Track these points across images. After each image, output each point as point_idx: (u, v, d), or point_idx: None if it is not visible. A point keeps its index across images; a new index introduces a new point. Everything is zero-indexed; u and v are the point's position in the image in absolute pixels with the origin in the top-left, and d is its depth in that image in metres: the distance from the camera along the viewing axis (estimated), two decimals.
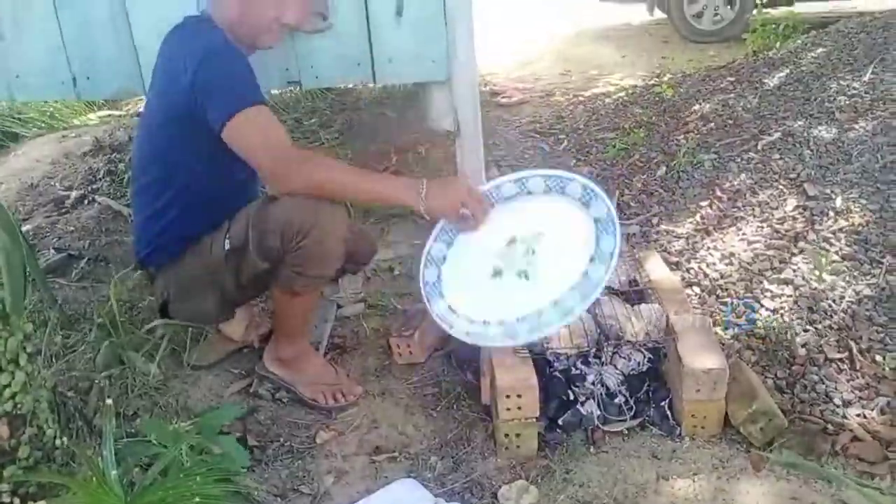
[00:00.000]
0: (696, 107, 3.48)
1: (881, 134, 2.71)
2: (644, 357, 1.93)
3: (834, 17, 5.25)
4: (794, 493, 1.64)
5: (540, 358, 1.87)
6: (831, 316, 2.05)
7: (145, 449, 1.64)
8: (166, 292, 1.99)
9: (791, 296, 2.15)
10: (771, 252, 2.34)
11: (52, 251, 2.83)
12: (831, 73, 3.28)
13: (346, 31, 2.28)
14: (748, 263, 2.33)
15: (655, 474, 1.72)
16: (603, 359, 1.92)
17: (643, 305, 1.96)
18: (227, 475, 1.63)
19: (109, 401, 1.54)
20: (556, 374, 1.90)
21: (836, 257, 2.24)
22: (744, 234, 2.47)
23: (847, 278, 2.15)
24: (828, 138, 2.79)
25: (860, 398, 1.83)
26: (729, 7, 6.07)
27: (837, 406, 1.81)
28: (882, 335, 1.96)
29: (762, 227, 2.47)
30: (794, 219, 2.45)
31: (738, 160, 2.87)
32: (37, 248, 2.83)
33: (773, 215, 2.51)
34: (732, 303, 2.20)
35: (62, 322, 2.25)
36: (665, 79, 4.46)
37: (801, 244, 2.33)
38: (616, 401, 1.87)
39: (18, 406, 1.41)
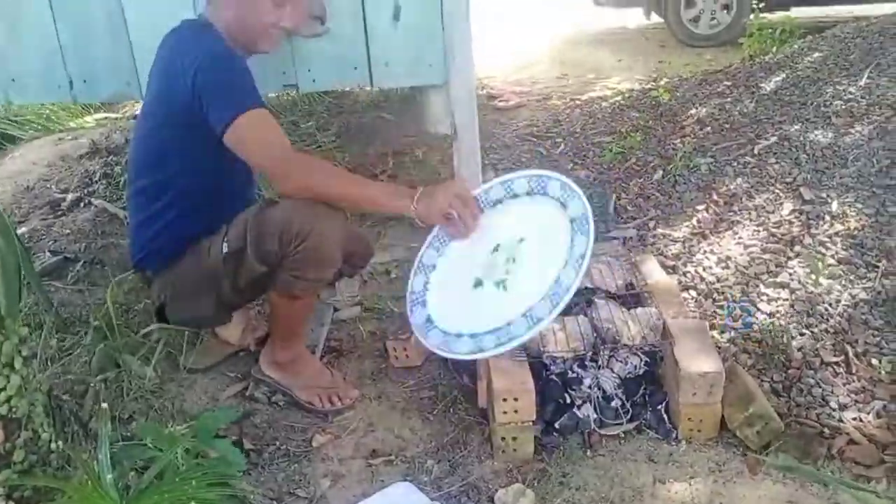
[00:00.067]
0: (693, 111, 3.49)
1: (877, 138, 2.71)
2: (641, 360, 1.93)
3: (830, 21, 5.27)
4: (791, 496, 1.64)
5: (536, 361, 1.87)
6: (827, 319, 2.06)
7: (141, 452, 1.64)
8: (163, 296, 1.98)
9: (787, 299, 2.15)
10: (767, 256, 2.35)
11: (48, 254, 2.82)
12: (827, 77, 3.29)
13: (344, 34, 2.28)
14: (744, 267, 2.33)
15: (652, 478, 1.72)
16: (599, 362, 1.92)
17: (640, 309, 1.97)
18: (222, 479, 1.62)
19: (105, 404, 1.54)
20: (553, 377, 1.90)
21: (832, 261, 2.24)
22: (740, 237, 2.48)
23: (843, 282, 2.16)
24: (824, 142, 2.80)
25: (856, 402, 1.83)
26: (726, 11, 6.08)
27: (833, 409, 1.82)
28: (878, 339, 1.97)
29: (758, 231, 2.48)
30: (791, 223, 2.46)
31: (735, 164, 2.87)
32: (32, 250, 2.82)
33: (769, 219, 2.52)
34: (729, 306, 2.20)
35: (58, 325, 2.25)
36: (662, 83, 4.47)
37: (798, 248, 2.34)
38: (613, 404, 1.87)
39: (13, 410, 1.40)
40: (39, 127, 4.38)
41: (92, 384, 1.98)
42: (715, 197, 2.74)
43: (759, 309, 2.15)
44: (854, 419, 1.79)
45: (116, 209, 3.10)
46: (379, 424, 1.98)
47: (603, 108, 4.12)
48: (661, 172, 3.02)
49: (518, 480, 1.74)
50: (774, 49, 4.16)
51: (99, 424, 1.51)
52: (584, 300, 2.04)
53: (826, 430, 1.77)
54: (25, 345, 1.47)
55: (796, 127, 2.96)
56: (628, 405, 1.87)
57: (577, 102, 4.42)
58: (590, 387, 1.88)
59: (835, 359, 1.94)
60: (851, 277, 2.17)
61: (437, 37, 2.30)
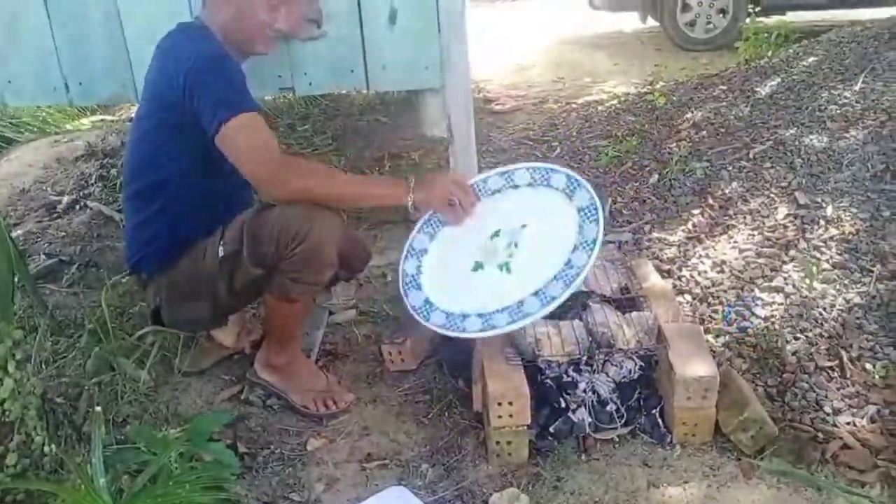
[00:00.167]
0: (689, 115, 3.50)
1: (872, 143, 2.72)
2: (635, 365, 1.93)
3: (826, 26, 5.29)
4: (785, 500, 1.64)
5: (531, 366, 1.87)
6: (822, 324, 2.06)
7: (135, 456, 1.64)
8: (158, 299, 1.98)
9: (782, 304, 2.16)
10: (762, 260, 2.35)
11: (43, 257, 2.82)
12: (822, 82, 3.30)
13: (340, 37, 2.29)
14: (739, 271, 2.33)
15: (646, 482, 1.72)
16: (594, 366, 1.92)
17: (635, 313, 1.96)
18: (216, 482, 1.62)
19: (98, 408, 1.53)
20: (548, 381, 1.90)
21: (826, 265, 2.24)
22: (735, 241, 2.48)
23: (838, 286, 2.16)
24: (819, 147, 2.81)
25: (850, 406, 1.83)
26: (721, 16, 6.10)
27: (828, 414, 1.82)
28: (872, 343, 1.97)
29: (753, 235, 2.48)
30: (786, 227, 2.46)
31: (730, 168, 2.88)
32: (28, 253, 2.82)
33: (764, 223, 2.52)
34: (724, 310, 2.20)
35: (52, 328, 2.24)
36: (657, 87, 4.47)
37: (793, 252, 2.34)
38: (607, 408, 1.87)
39: (7, 413, 1.40)
40: (35, 129, 4.38)
41: (86, 387, 1.97)
42: (710, 201, 2.74)
43: (753, 313, 2.15)
44: (848, 424, 1.79)
45: (112, 212, 3.09)
46: (374, 428, 1.98)
47: (599, 111, 4.12)
48: (656, 176, 3.03)
49: (512, 485, 1.73)
50: (770, 53, 4.17)
51: (92, 428, 1.50)
52: (579, 304, 2.04)
53: (820, 435, 1.77)
54: (19, 348, 1.46)
55: (791, 131, 2.97)
56: (623, 409, 1.87)
57: (573, 106, 4.42)
58: (584, 391, 1.88)
59: (829, 363, 1.94)
60: (846, 282, 2.17)
61: (434, 40, 2.31)
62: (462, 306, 1.77)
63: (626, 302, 2.04)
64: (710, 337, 2.09)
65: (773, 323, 2.10)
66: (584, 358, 1.90)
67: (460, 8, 2.31)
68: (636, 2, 6.42)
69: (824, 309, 2.10)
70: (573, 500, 1.69)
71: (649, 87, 4.65)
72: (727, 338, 2.10)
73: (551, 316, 1.99)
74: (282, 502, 1.74)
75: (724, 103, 3.48)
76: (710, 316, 2.20)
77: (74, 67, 2.32)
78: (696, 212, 2.72)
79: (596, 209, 1.74)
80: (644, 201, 2.91)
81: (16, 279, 2.06)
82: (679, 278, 2.41)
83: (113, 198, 3.23)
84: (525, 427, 1.79)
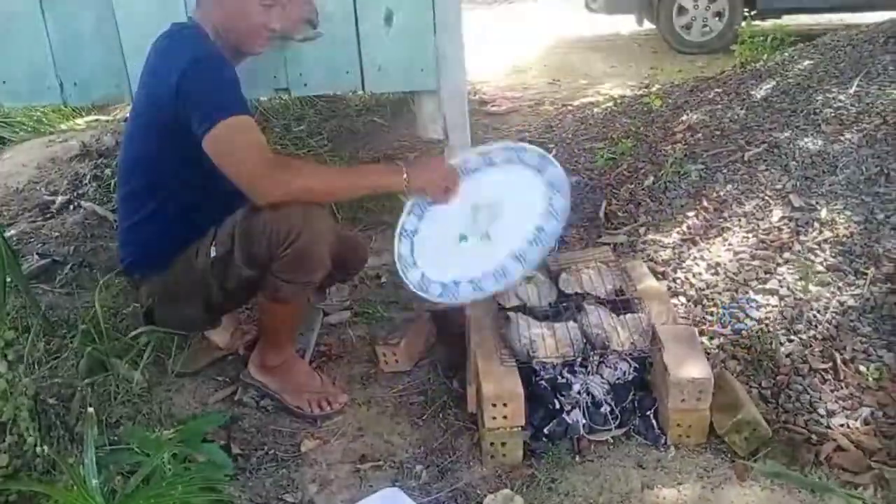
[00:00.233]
0: (684, 117, 3.50)
1: (866, 146, 2.73)
2: (630, 366, 1.93)
3: (821, 29, 5.31)
4: (778, 502, 1.64)
5: (526, 367, 1.87)
6: (816, 326, 2.06)
7: (127, 457, 1.63)
8: (151, 299, 1.98)
9: (776, 306, 2.16)
10: (756, 262, 2.35)
11: (37, 257, 2.81)
12: (818, 85, 3.30)
13: (336, 38, 2.28)
14: (734, 273, 2.34)
15: (640, 483, 1.72)
16: (589, 368, 1.92)
17: (629, 315, 1.97)
18: (210, 483, 1.61)
19: (91, 408, 1.52)
20: (542, 383, 1.90)
21: (820, 268, 2.25)
22: (730, 244, 2.48)
23: (832, 289, 2.17)
24: (814, 150, 2.81)
25: (844, 408, 1.84)
26: (717, 19, 6.12)
27: (821, 416, 1.82)
28: (866, 345, 1.97)
29: (748, 238, 2.49)
30: (780, 229, 2.47)
31: (725, 171, 2.88)
32: (21, 253, 2.81)
33: (758, 226, 2.53)
34: (718, 312, 2.20)
35: (45, 328, 2.24)
36: (653, 89, 4.48)
37: (787, 255, 2.34)
38: (602, 410, 1.87)
39: None
40: (30, 129, 4.37)
41: (79, 388, 1.97)
42: (705, 203, 2.74)
43: (748, 315, 2.15)
44: (842, 426, 1.79)
45: (106, 212, 3.09)
46: (368, 429, 1.98)
47: (595, 113, 4.13)
48: (651, 178, 3.03)
49: (507, 486, 1.73)
50: (765, 56, 4.17)
51: (85, 428, 1.50)
52: (573, 306, 2.04)
53: (814, 437, 1.77)
54: (11, 348, 1.46)
55: (786, 134, 2.97)
56: (617, 411, 1.87)
57: (569, 108, 4.43)
58: (579, 392, 1.88)
59: (823, 365, 1.94)
60: (840, 284, 2.18)
61: (429, 42, 2.31)
62: (454, 275, 1.93)
63: (621, 304, 2.04)
64: (704, 339, 2.09)
65: (767, 325, 2.10)
66: (579, 359, 1.90)
67: (456, 9, 2.31)
68: (633, 4, 6.43)
69: (818, 311, 2.11)
70: (567, 502, 1.69)
71: (645, 89, 4.67)
72: (721, 339, 2.10)
73: (546, 317, 2.01)
74: (275, 503, 1.74)
75: (720, 106, 3.49)
76: (704, 318, 2.20)
77: (69, 67, 2.31)
78: (690, 214, 2.72)
79: (563, 182, 1.95)
80: (639, 203, 2.91)
81: (8, 279, 2.06)
82: (674, 280, 2.41)
83: (107, 198, 3.22)
84: (519, 428, 1.79)
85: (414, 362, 2.19)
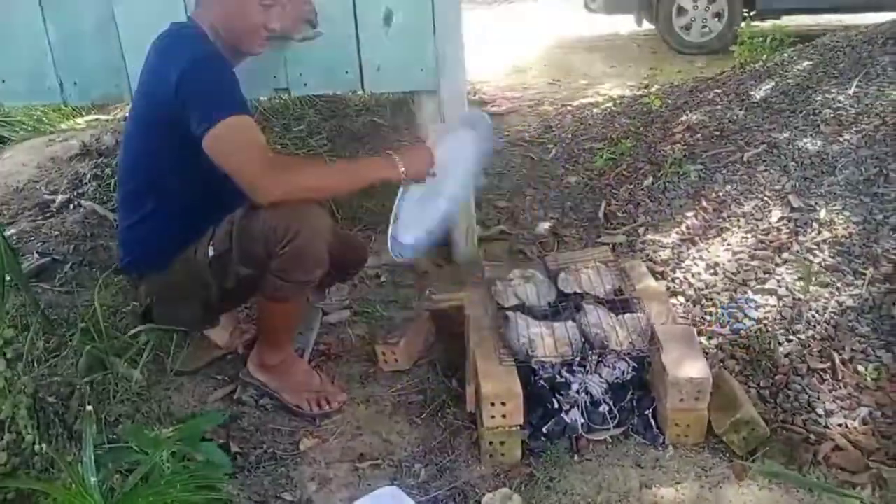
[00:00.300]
0: (684, 118, 3.50)
1: (865, 147, 2.73)
2: (628, 366, 1.93)
3: (820, 30, 5.31)
4: (776, 501, 1.64)
5: (525, 366, 1.87)
6: (814, 326, 2.06)
7: (126, 455, 1.63)
8: (150, 298, 1.98)
9: (775, 306, 2.16)
10: (755, 262, 2.35)
11: (37, 255, 2.80)
12: (816, 85, 3.31)
13: (335, 38, 2.28)
14: (733, 273, 2.34)
15: (639, 482, 1.72)
16: (587, 367, 1.92)
17: (628, 315, 1.97)
18: (208, 482, 1.62)
19: (90, 407, 1.53)
20: (541, 382, 1.90)
21: (819, 268, 2.25)
22: (729, 244, 2.49)
23: (830, 289, 2.17)
24: (812, 150, 2.81)
25: (842, 408, 1.84)
26: (717, 19, 6.12)
27: (819, 416, 1.82)
28: (864, 346, 1.98)
29: (747, 238, 2.49)
30: (779, 230, 2.47)
31: (724, 171, 2.88)
32: (21, 252, 2.81)
33: (757, 226, 2.53)
34: (717, 312, 2.21)
35: (45, 327, 2.23)
36: (653, 89, 4.49)
37: (786, 255, 2.35)
38: (600, 409, 1.87)
39: None
40: (30, 128, 4.36)
41: (78, 386, 1.96)
42: (704, 203, 2.75)
43: (746, 315, 2.15)
44: (840, 426, 1.79)
45: (106, 211, 3.09)
46: (366, 428, 1.98)
47: (594, 114, 4.13)
48: (651, 179, 3.03)
49: (505, 485, 1.74)
50: (765, 57, 4.18)
51: (84, 427, 1.50)
52: (572, 305, 2.05)
53: (812, 437, 1.78)
54: (10, 346, 1.46)
55: (785, 135, 2.97)
56: (616, 410, 1.87)
57: (569, 108, 4.43)
58: (577, 392, 1.88)
59: (821, 365, 1.95)
60: (839, 284, 2.18)
61: (429, 42, 2.31)
62: (424, 228, 2.04)
63: (620, 303, 2.05)
64: (703, 339, 2.10)
65: (765, 325, 2.10)
66: (578, 359, 1.90)
67: (456, 10, 2.31)
68: (632, 5, 6.43)
69: (817, 311, 2.11)
70: (566, 501, 1.69)
71: (644, 89, 4.67)
72: (720, 339, 2.10)
73: (545, 317, 2.01)
74: (274, 502, 1.74)
75: (719, 106, 3.49)
76: (703, 318, 2.21)
77: (69, 67, 2.31)
78: (689, 214, 2.73)
79: (488, 126, 2.17)
80: (638, 203, 2.91)
81: (8, 277, 2.06)
82: (672, 280, 2.41)
83: (107, 197, 3.22)
84: (518, 427, 1.79)
85: (413, 361, 2.19)
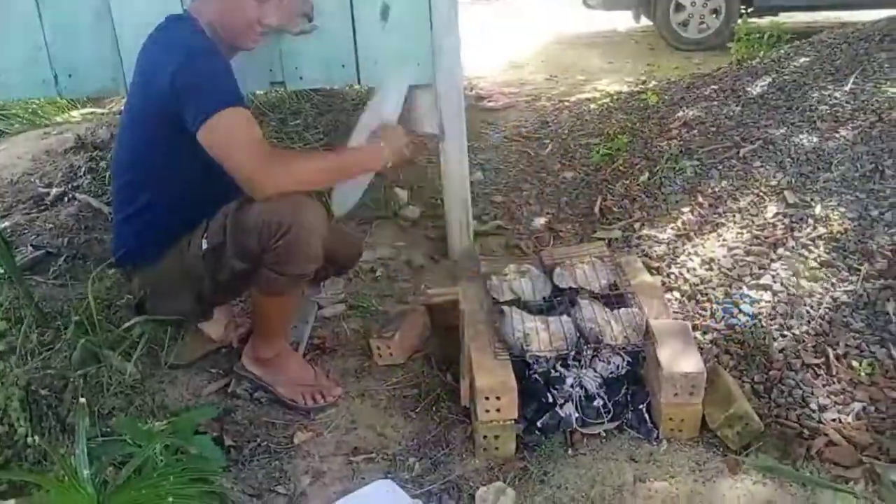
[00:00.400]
0: (680, 113, 3.50)
1: (861, 143, 2.73)
2: (623, 360, 1.93)
3: (817, 27, 5.31)
4: (770, 496, 1.65)
5: (519, 360, 1.87)
6: (809, 321, 2.07)
7: (119, 448, 1.62)
8: (143, 291, 1.97)
9: (770, 301, 2.16)
10: (751, 258, 2.36)
11: (31, 248, 2.80)
12: (813, 82, 3.31)
13: (331, 32, 2.28)
14: (728, 269, 2.34)
15: (633, 477, 1.72)
16: (582, 362, 1.92)
17: (623, 309, 1.97)
18: (202, 475, 1.61)
19: (83, 399, 1.52)
20: (535, 376, 1.90)
21: (814, 264, 2.25)
22: (724, 239, 2.49)
23: (825, 285, 2.17)
24: (808, 147, 2.82)
25: (836, 403, 1.84)
26: (714, 16, 6.12)
27: (813, 411, 1.82)
28: (858, 341, 1.98)
29: (742, 234, 2.49)
30: (774, 225, 2.47)
31: (720, 167, 2.89)
32: (15, 245, 2.80)
33: (753, 222, 2.53)
34: (712, 307, 2.21)
35: (38, 319, 2.22)
36: (650, 86, 4.49)
37: (781, 250, 2.35)
38: (595, 404, 1.87)
39: None
40: (25, 121, 4.35)
41: (71, 379, 1.96)
42: (700, 199, 2.75)
43: (741, 310, 2.16)
44: (833, 420, 1.80)
45: (100, 204, 3.08)
46: (361, 422, 1.98)
47: (591, 109, 4.13)
48: (647, 174, 3.03)
49: (499, 479, 1.74)
50: (762, 54, 4.18)
51: (77, 419, 1.49)
52: (567, 300, 2.05)
53: (806, 431, 1.78)
54: (4, 339, 1.46)
55: (782, 131, 2.98)
56: (610, 405, 1.87)
57: (566, 104, 4.43)
58: (572, 386, 1.88)
59: (815, 360, 1.95)
60: (833, 280, 2.18)
61: (425, 36, 2.31)
62: (353, 201, 2.18)
63: (615, 298, 2.05)
64: (697, 333, 2.10)
65: (760, 320, 2.11)
66: (572, 353, 1.90)
67: (452, 4, 2.31)
68: (630, 1, 6.43)
69: (811, 307, 2.11)
70: (560, 495, 1.69)
71: (642, 85, 4.67)
72: (715, 334, 2.10)
73: (540, 311, 2.01)
74: (268, 495, 1.74)
75: (716, 103, 3.49)
76: (698, 313, 2.21)
77: (64, 60, 2.30)
78: (685, 210, 2.73)
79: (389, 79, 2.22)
80: (634, 199, 2.92)
81: (2, 270, 2.06)
82: (668, 275, 2.42)
83: (102, 190, 3.21)
84: (512, 421, 1.79)
85: (408, 355, 2.19)
